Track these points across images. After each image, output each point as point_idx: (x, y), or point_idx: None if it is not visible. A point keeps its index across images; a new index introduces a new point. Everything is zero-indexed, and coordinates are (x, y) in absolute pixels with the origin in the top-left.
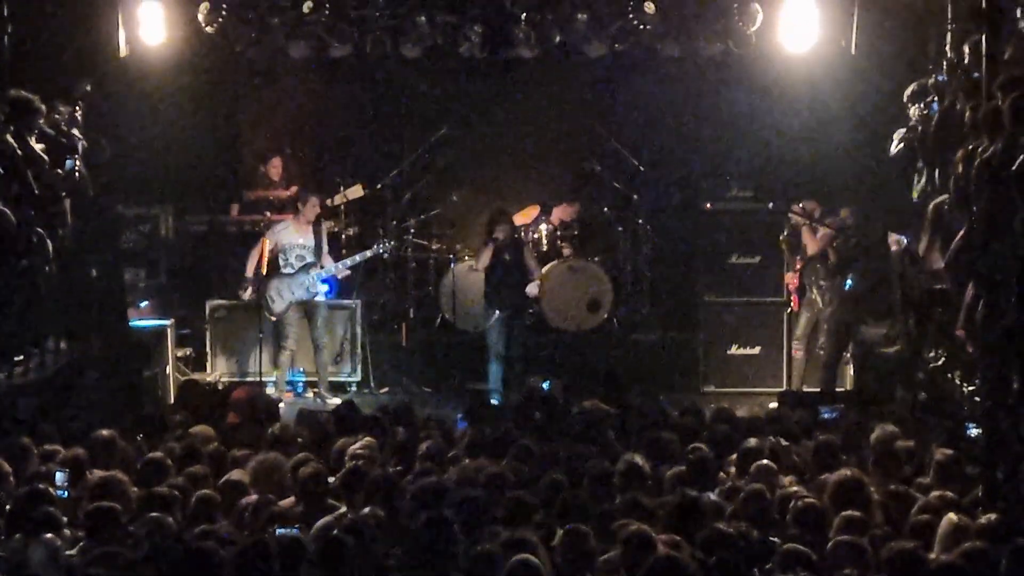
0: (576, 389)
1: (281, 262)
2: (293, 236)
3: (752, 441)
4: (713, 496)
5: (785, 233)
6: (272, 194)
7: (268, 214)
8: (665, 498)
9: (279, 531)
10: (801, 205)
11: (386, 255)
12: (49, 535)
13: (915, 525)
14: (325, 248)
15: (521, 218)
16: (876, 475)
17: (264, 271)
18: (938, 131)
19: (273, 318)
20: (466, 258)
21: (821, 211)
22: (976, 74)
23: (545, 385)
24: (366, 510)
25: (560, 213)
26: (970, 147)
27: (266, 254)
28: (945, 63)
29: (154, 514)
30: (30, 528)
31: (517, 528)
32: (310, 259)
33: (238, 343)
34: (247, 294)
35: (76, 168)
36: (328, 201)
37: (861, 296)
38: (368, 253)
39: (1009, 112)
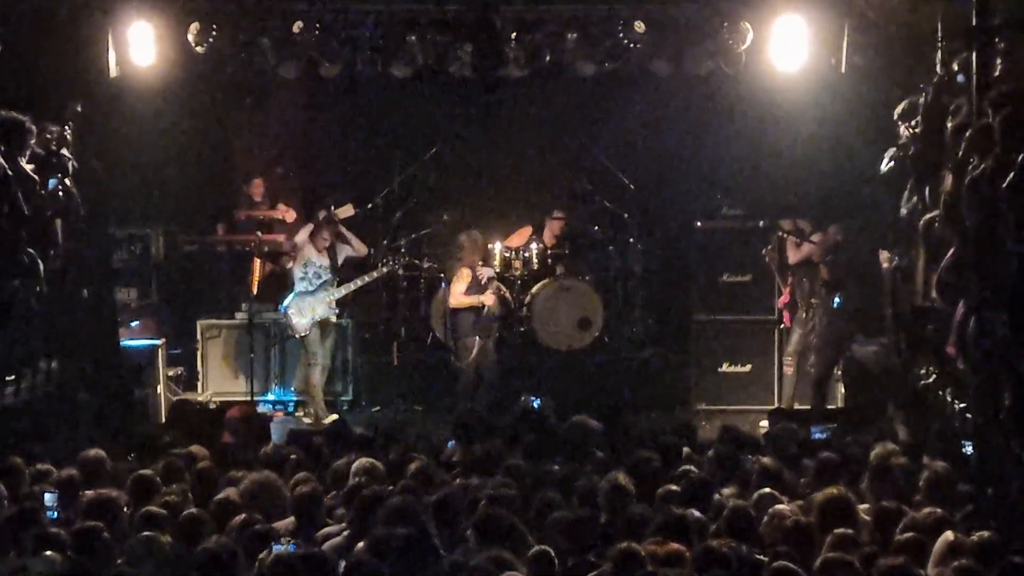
0: (567, 408)
1: (299, 276)
2: (312, 254)
3: (753, 461)
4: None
5: (768, 247)
6: (262, 214)
7: (259, 234)
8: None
9: (276, 548)
10: (792, 221)
11: (386, 270)
12: (50, 552)
13: (905, 542)
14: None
15: (516, 239)
16: (873, 493)
17: (255, 291)
18: (928, 148)
19: (299, 336)
20: None
21: (811, 229)
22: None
23: (536, 403)
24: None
25: (549, 229)
26: (960, 164)
27: (256, 275)
28: (935, 81)
29: (147, 533)
30: (20, 549)
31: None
32: (326, 277)
33: (230, 362)
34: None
35: (61, 188)
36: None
37: (851, 313)
38: (375, 274)
39: (999, 129)
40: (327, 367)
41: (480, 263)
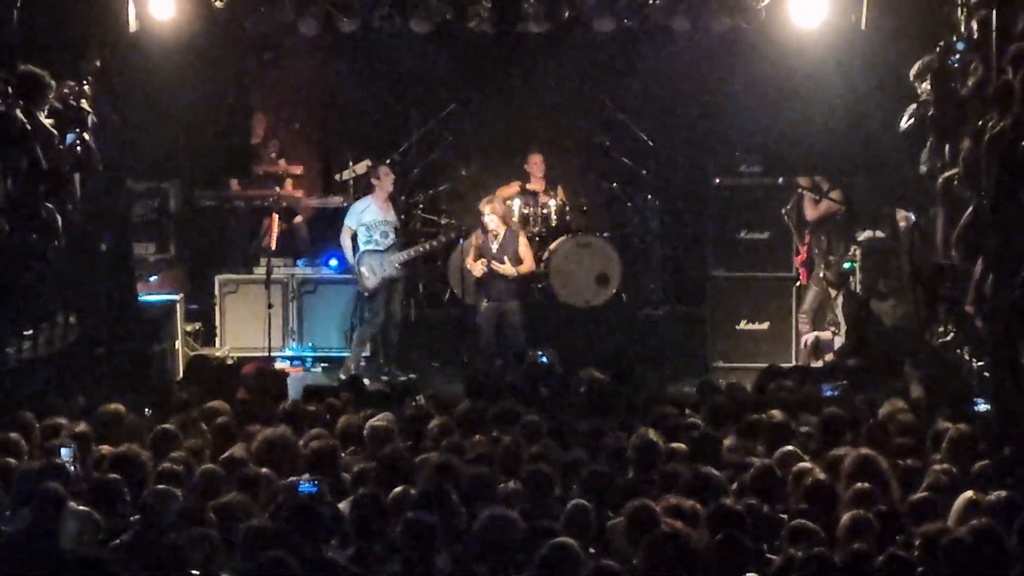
0: (582, 364)
1: (364, 238)
2: (376, 213)
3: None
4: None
5: (788, 207)
6: (280, 169)
7: (278, 189)
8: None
9: (301, 484)
10: (810, 178)
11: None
12: (84, 507)
13: (923, 501)
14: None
15: (506, 191)
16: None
17: (273, 246)
18: (943, 108)
19: (367, 293)
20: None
21: (829, 186)
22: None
23: (543, 358)
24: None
25: (532, 172)
26: (979, 122)
27: (275, 230)
28: (943, 42)
29: (161, 486)
30: (39, 503)
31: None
32: (392, 236)
33: (248, 318)
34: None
35: (80, 142)
36: (336, 176)
37: (867, 273)
38: (437, 241)
39: (1020, 86)
40: (398, 325)
41: (481, 233)
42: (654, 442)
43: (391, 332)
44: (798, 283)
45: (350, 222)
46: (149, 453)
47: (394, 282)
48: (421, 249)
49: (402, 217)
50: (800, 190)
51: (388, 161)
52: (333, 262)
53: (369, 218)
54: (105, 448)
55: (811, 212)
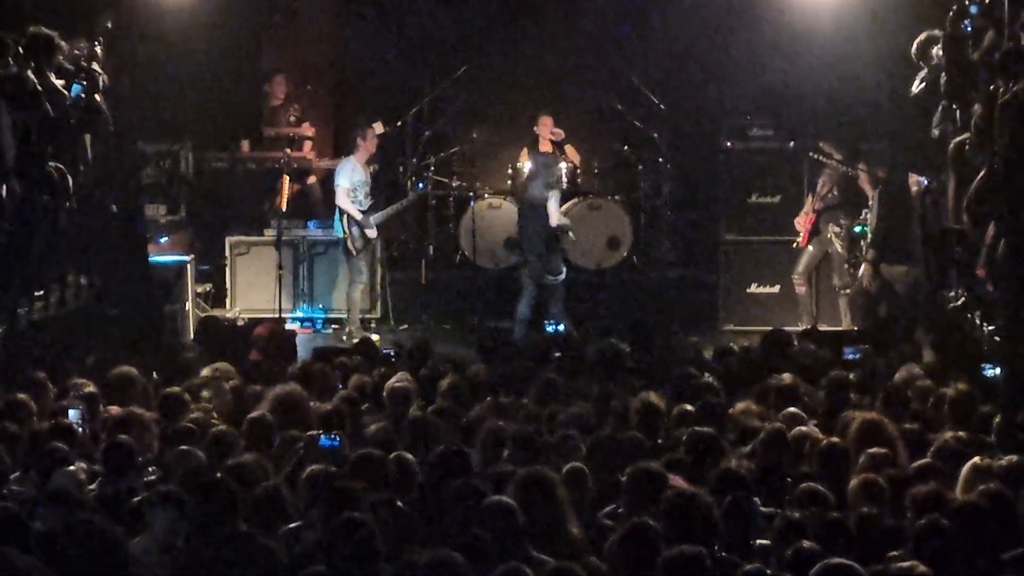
0: (595, 327)
1: (351, 200)
2: (360, 173)
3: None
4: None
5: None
6: (290, 131)
7: (288, 151)
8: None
9: (322, 439)
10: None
11: (420, 191)
12: (72, 467)
13: (932, 466)
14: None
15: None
16: (885, 414)
17: (284, 208)
18: (959, 70)
19: (354, 253)
20: (485, 196)
21: (839, 151)
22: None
23: (559, 326)
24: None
25: (542, 133)
26: (991, 87)
27: (285, 193)
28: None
29: (183, 447)
30: (48, 464)
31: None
32: (370, 196)
33: (258, 279)
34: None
35: (91, 103)
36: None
37: (877, 237)
38: (412, 196)
39: None
40: (367, 286)
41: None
42: (655, 405)
43: (377, 291)
44: (795, 244)
45: (344, 182)
46: (156, 415)
47: (373, 243)
48: (394, 209)
49: (428, 184)
50: (819, 157)
51: (400, 123)
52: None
53: (358, 178)
54: (113, 409)
55: (828, 184)
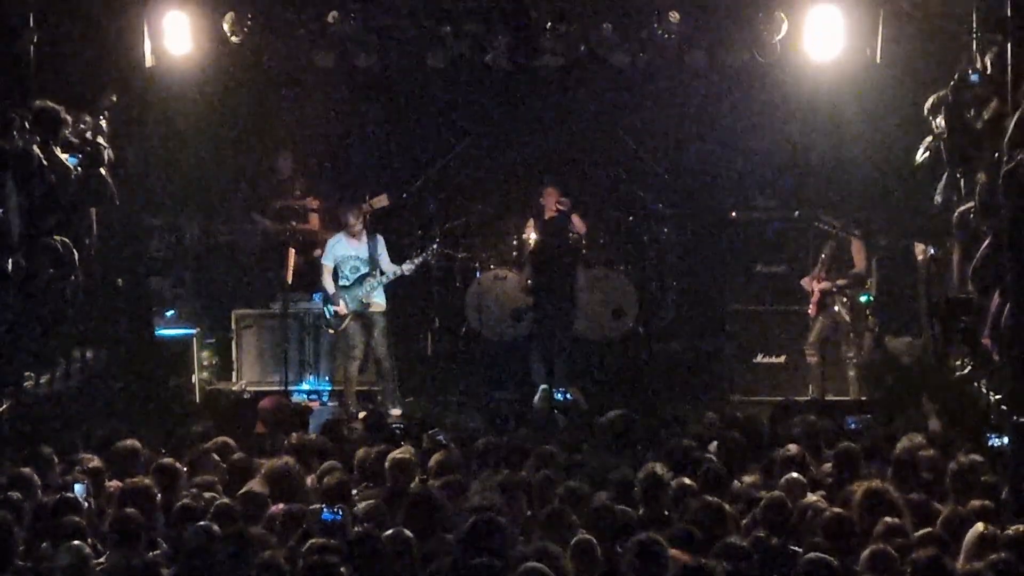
0: (601, 398)
1: (339, 275)
2: (346, 248)
3: (779, 451)
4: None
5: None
6: (296, 203)
7: (294, 224)
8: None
9: (325, 512)
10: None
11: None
12: (77, 542)
13: (937, 535)
14: (383, 254)
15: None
16: (895, 484)
17: (290, 280)
18: (957, 142)
19: (331, 331)
20: (491, 266)
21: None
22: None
23: (567, 395)
24: None
25: (548, 204)
26: (995, 155)
27: (290, 266)
28: (956, 76)
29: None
30: (55, 538)
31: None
32: (364, 269)
33: (264, 352)
34: (342, 308)
35: (96, 177)
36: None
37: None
38: (426, 254)
39: None
40: (388, 357)
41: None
42: (659, 476)
43: (384, 364)
44: (806, 311)
45: (327, 260)
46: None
47: (367, 317)
48: (419, 260)
49: (417, 252)
50: (823, 226)
51: (405, 196)
52: (379, 298)
53: (340, 252)
54: (115, 484)
55: (859, 260)
